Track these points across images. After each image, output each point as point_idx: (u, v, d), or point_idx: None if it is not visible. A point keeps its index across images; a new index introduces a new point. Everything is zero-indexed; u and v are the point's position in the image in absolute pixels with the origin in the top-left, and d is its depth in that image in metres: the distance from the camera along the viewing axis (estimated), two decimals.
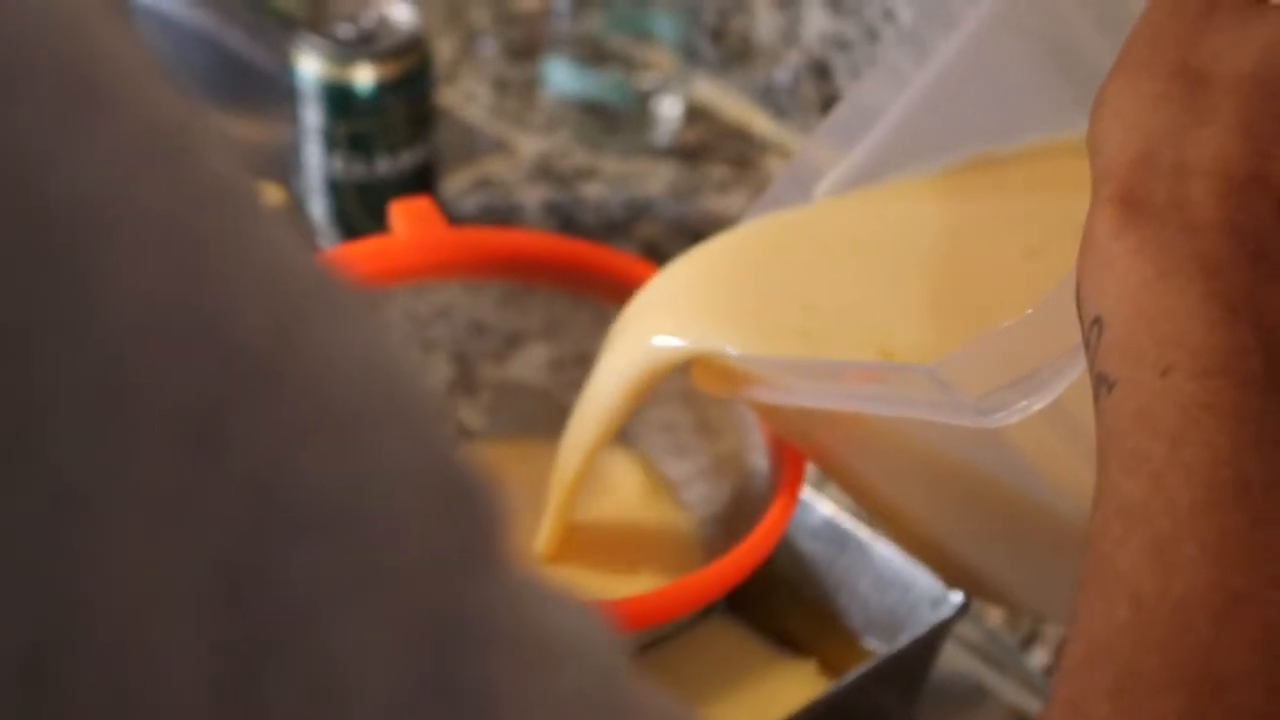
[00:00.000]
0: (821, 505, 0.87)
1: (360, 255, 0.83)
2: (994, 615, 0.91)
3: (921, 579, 0.82)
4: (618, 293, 0.80)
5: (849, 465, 0.75)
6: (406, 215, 0.83)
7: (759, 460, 0.77)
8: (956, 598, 0.83)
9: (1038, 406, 0.59)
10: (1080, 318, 0.56)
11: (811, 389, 0.69)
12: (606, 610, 0.43)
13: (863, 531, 0.87)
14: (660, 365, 0.73)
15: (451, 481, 0.37)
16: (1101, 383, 0.55)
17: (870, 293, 0.72)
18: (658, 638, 0.89)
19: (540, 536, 0.78)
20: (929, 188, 0.76)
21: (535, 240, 0.89)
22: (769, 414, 0.74)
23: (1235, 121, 0.55)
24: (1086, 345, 0.56)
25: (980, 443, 0.62)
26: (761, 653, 0.90)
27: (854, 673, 0.82)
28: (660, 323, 0.73)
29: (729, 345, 0.70)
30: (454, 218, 1.15)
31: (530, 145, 1.25)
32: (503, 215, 1.15)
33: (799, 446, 0.74)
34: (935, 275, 0.71)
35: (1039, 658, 0.89)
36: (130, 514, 0.32)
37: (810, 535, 0.88)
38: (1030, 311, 0.58)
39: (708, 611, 0.90)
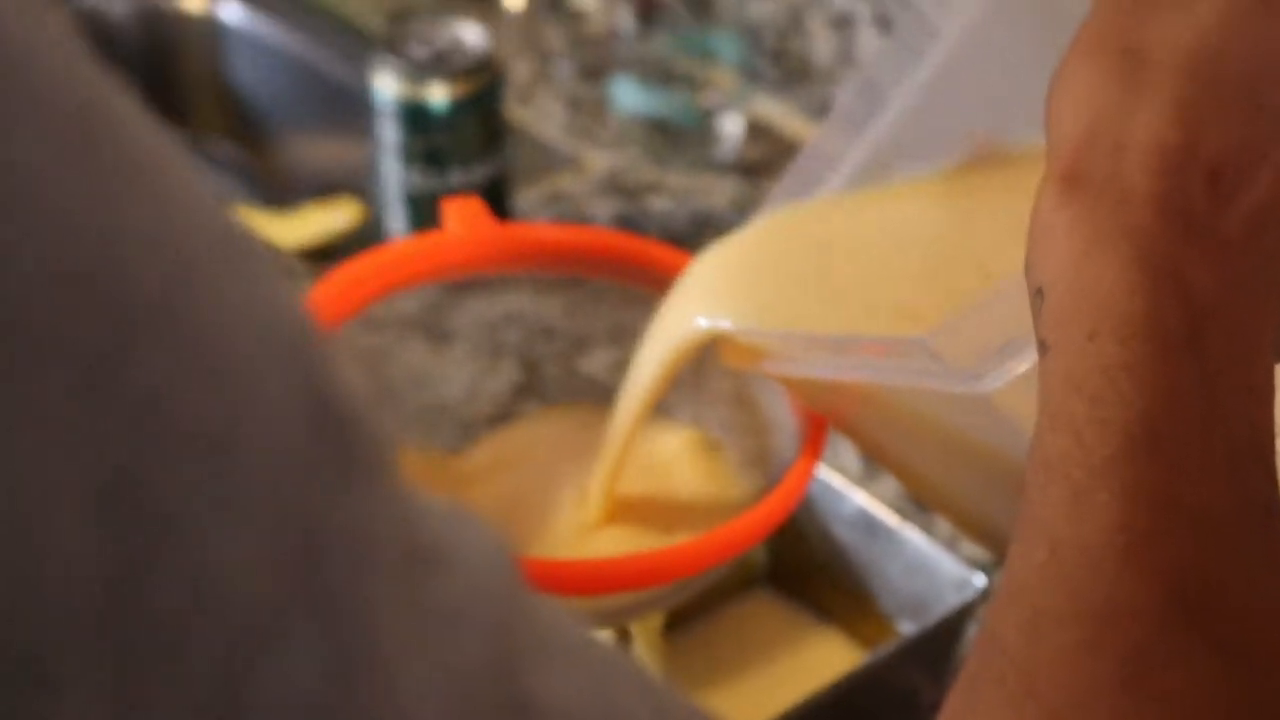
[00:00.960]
0: (856, 495, 0.91)
1: (415, 250, 0.86)
2: None
3: (947, 565, 0.86)
4: (658, 281, 0.83)
5: (863, 429, 0.79)
6: (458, 213, 0.86)
7: (788, 428, 0.81)
8: (980, 581, 0.85)
9: (1018, 371, 0.61)
10: (1028, 287, 0.58)
11: (821, 361, 0.72)
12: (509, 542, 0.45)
13: (893, 521, 0.90)
14: (688, 343, 0.76)
15: (323, 411, 0.40)
16: (1041, 347, 0.57)
17: (879, 280, 0.75)
18: (706, 608, 0.94)
19: (591, 501, 0.81)
20: (937, 186, 0.79)
21: (575, 233, 0.92)
22: (793, 385, 0.77)
23: (1170, 101, 0.56)
24: (1034, 313, 0.57)
25: (973, 406, 0.64)
26: (801, 626, 0.95)
27: (884, 650, 0.86)
28: (689, 305, 0.77)
29: (749, 324, 0.74)
30: None
31: (600, 161, 1.28)
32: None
33: (821, 413, 0.77)
34: (940, 265, 0.73)
35: None
36: (27, 435, 0.35)
37: (845, 524, 0.92)
38: (1002, 283, 0.60)
39: (751, 586, 0.96)
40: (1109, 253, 0.55)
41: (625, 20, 1.30)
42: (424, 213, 1.14)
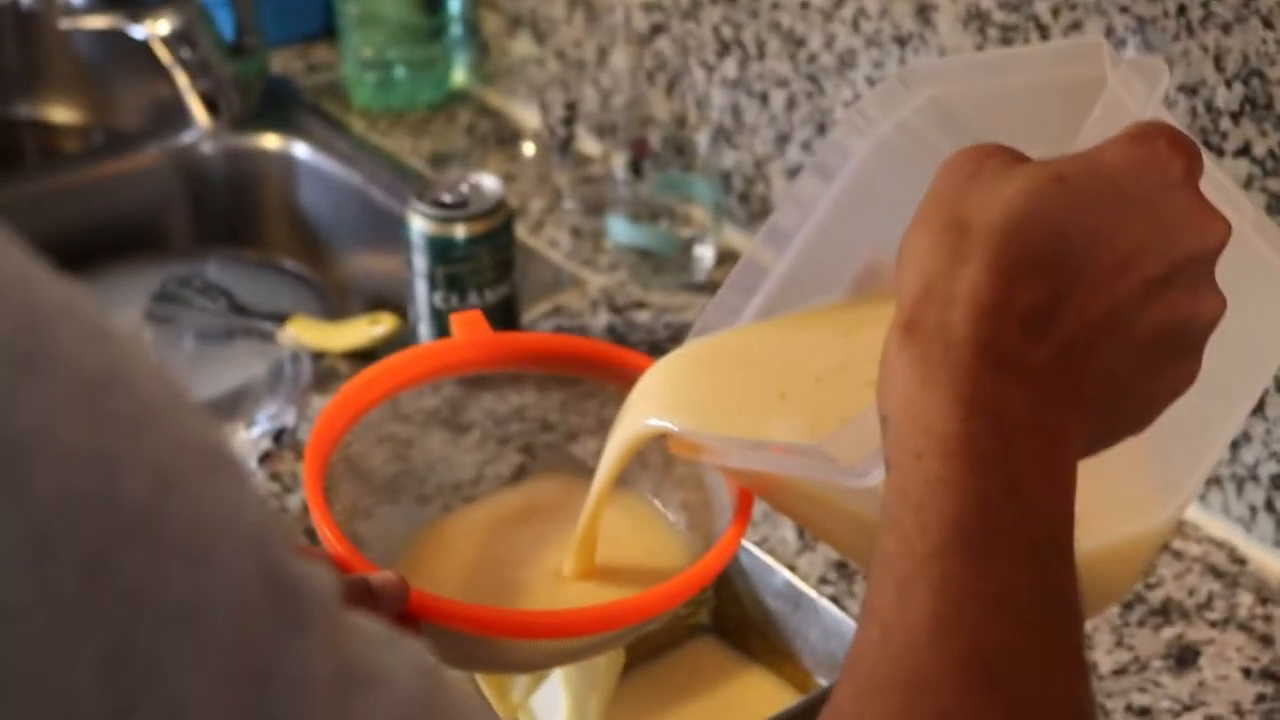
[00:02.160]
0: (782, 571, 1.01)
1: (427, 353, 0.93)
2: None
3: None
4: (621, 377, 0.90)
5: (782, 503, 0.87)
6: (462, 323, 0.92)
7: (725, 503, 0.88)
8: None
9: None
10: (879, 415, 0.63)
11: (745, 457, 0.80)
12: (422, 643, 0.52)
13: (814, 594, 0.99)
14: (639, 438, 0.84)
15: (275, 579, 0.46)
16: (886, 465, 0.62)
17: (788, 391, 0.81)
18: (660, 651, 1.03)
19: (568, 561, 0.88)
20: (836, 313, 0.85)
21: (552, 340, 0.98)
22: (727, 471, 0.85)
23: (986, 261, 0.60)
24: (882, 437, 0.62)
25: (860, 493, 0.69)
26: (739, 669, 1.05)
27: (808, 698, 0.95)
28: (643, 408, 0.84)
29: (687, 426, 0.81)
30: None
31: (597, 281, 1.40)
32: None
33: (751, 491, 0.85)
34: (836, 380, 0.80)
35: None
36: (47, 612, 0.42)
37: (775, 594, 1.02)
38: (870, 407, 0.65)
39: (699, 634, 1.05)
40: (936, 388, 0.60)
41: (620, 166, 1.42)
42: (445, 325, 1.12)
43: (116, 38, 1.67)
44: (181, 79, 1.60)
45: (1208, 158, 0.67)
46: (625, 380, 0.88)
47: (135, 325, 1.38)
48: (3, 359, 0.42)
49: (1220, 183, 0.71)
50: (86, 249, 1.57)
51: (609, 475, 0.86)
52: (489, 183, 1.28)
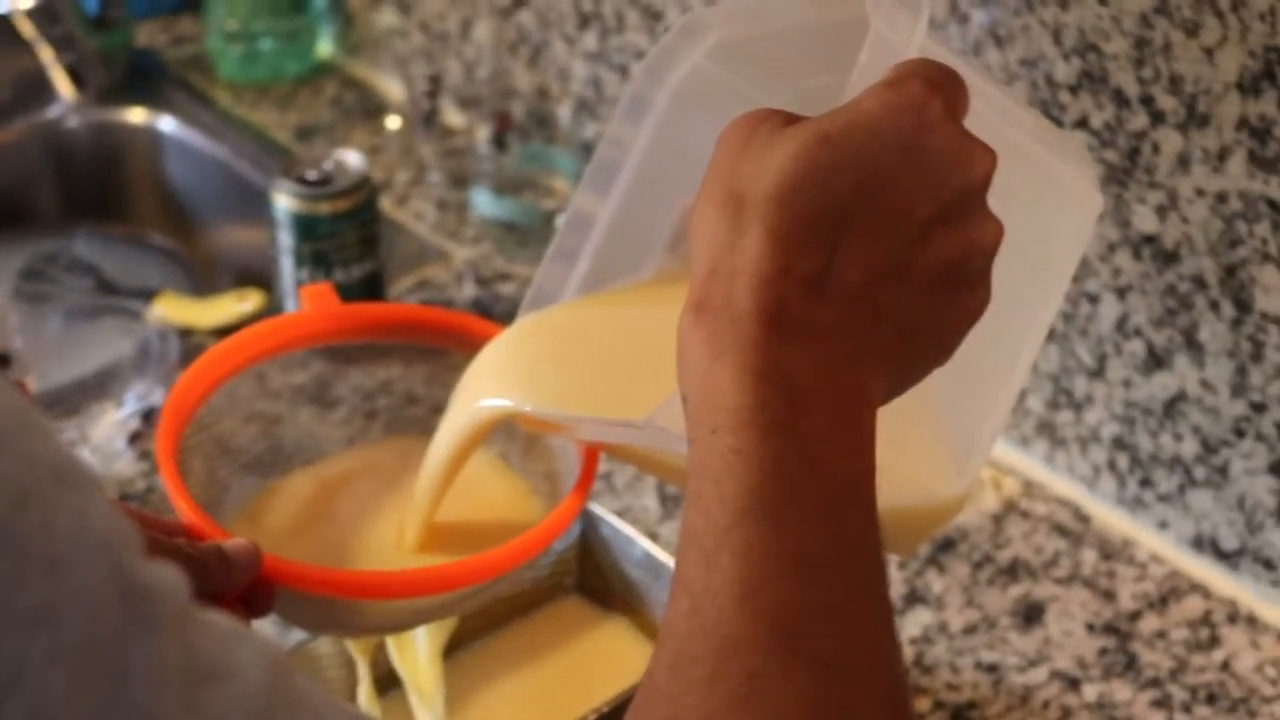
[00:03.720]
0: (642, 541, 1.04)
1: (279, 325, 0.95)
2: None
3: None
4: (466, 344, 0.91)
5: (630, 459, 0.89)
6: (310, 295, 0.95)
7: (574, 465, 0.90)
8: None
9: None
10: (680, 395, 0.64)
11: (590, 431, 0.83)
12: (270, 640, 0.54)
13: (672, 563, 0.91)
14: (478, 419, 0.85)
15: (127, 584, 0.49)
16: (689, 442, 0.63)
17: (613, 367, 0.84)
18: (527, 608, 1.05)
19: (407, 535, 0.89)
20: (648, 290, 0.87)
21: (400, 309, 1.00)
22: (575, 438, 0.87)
23: (762, 230, 0.61)
24: (685, 417, 0.63)
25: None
26: (601, 623, 1.07)
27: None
28: (484, 389, 0.85)
29: (522, 404, 0.83)
30: None
31: (461, 254, 1.41)
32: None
33: (597, 450, 0.88)
34: (655, 354, 0.76)
35: None
36: None
37: (634, 564, 1.05)
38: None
39: (567, 593, 1.07)
40: (725, 363, 0.61)
41: (483, 139, 1.44)
42: None
43: None
44: (45, 53, 1.59)
45: (979, 74, 0.68)
46: (477, 348, 0.89)
47: (2, 304, 1.38)
48: None
49: (994, 99, 0.72)
50: None
51: (449, 460, 0.87)
52: (353, 159, 1.29)
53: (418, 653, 0.96)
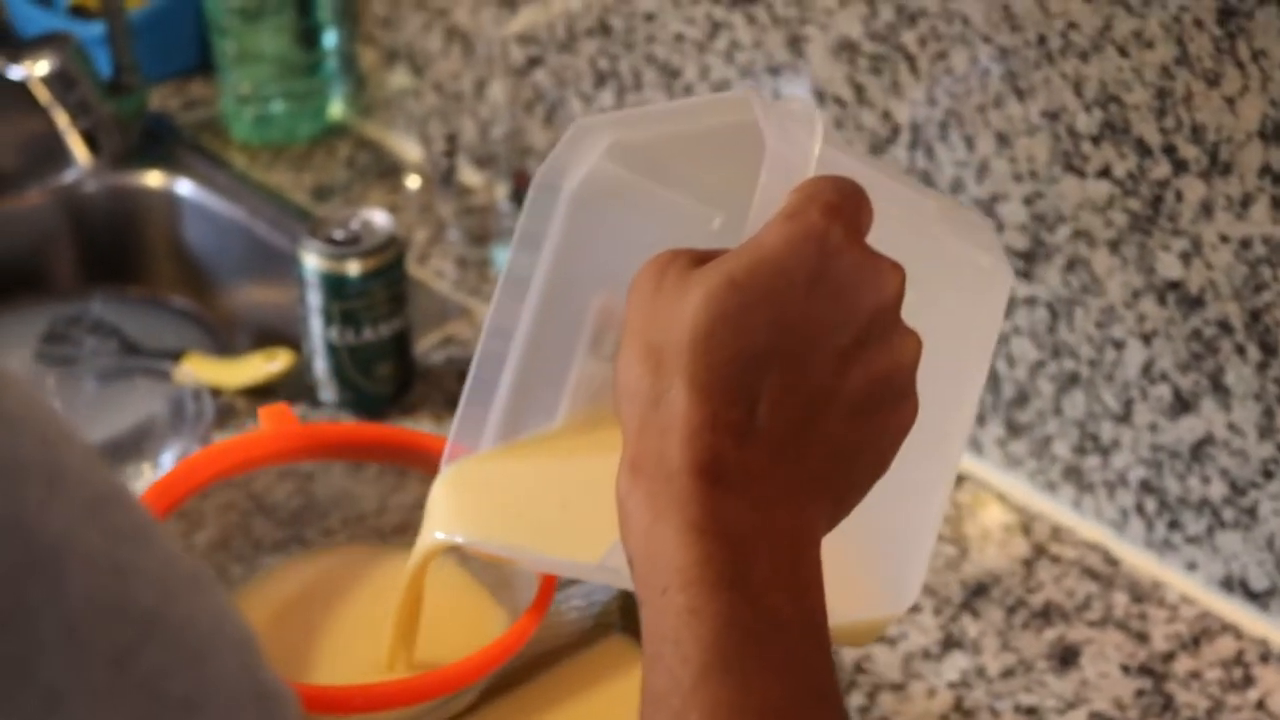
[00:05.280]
0: None
1: (237, 445, 0.97)
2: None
3: None
4: (426, 463, 0.92)
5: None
6: (270, 416, 0.97)
7: (530, 582, 0.92)
8: None
9: None
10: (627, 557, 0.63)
11: (536, 563, 0.86)
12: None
13: None
14: (434, 549, 0.87)
15: (259, 682, 0.51)
16: (639, 604, 0.62)
17: (554, 508, 0.85)
18: (565, 650, 1.04)
19: (385, 648, 0.91)
20: (556, 442, 0.88)
21: (360, 430, 1.03)
22: None
23: (684, 382, 0.61)
24: (633, 578, 0.63)
25: None
26: None
27: None
28: (431, 522, 0.87)
29: (473, 540, 0.85)
30: (425, 369, 1.34)
31: (484, 310, 1.31)
32: (463, 366, 1.18)
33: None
34: (594, 497, 0.75)
35: (856, 699, 1.09)
36: (81, 697, 0.47)
37: None
38: None
39: (609, 632, 1.06)
40: (666, 522, 0.61)
41: (503, 196, 1.46)
42: (342, 361, 1.29)
43: None
44: (61, 118, 1.60)
45: (877, 170, 0.67)
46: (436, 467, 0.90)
47: (27, 367, 1.39)
48: (33, 477, 0.47)
49: (893, 193, 0.70)
50: None
51: (414, 579, 0.89)
52: (379, 218, 1.30)
53: None
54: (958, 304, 0.77)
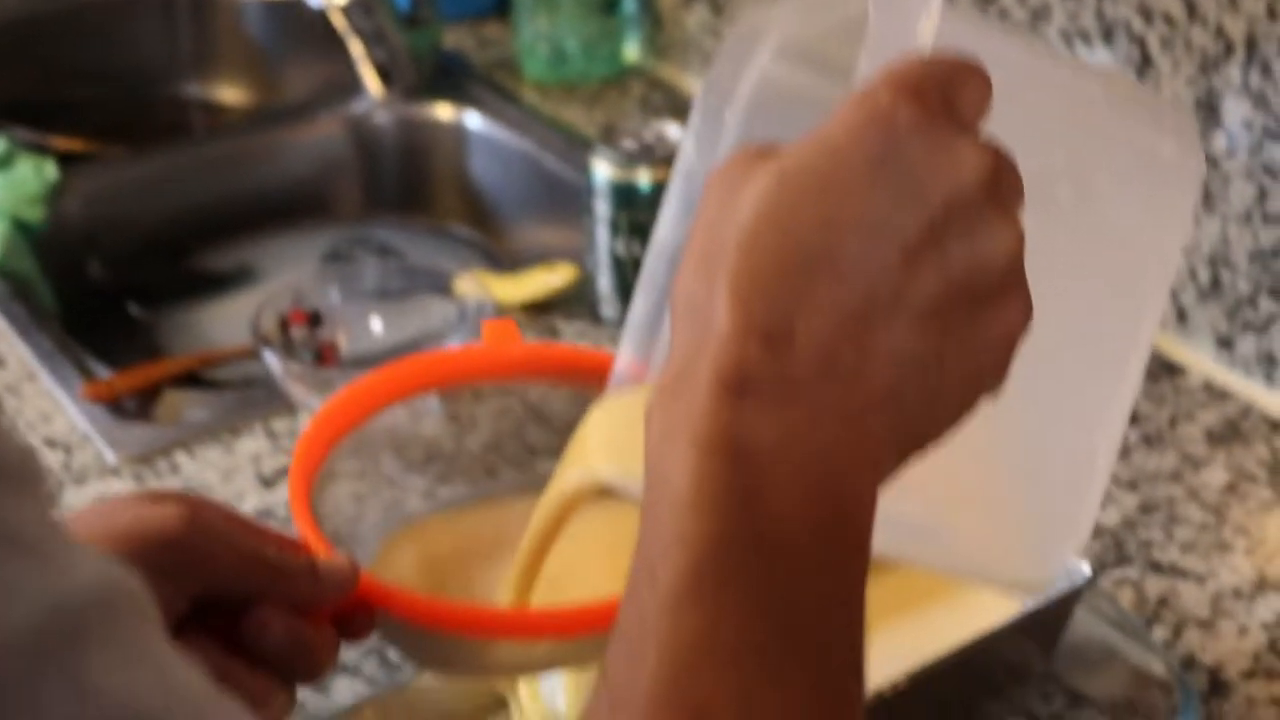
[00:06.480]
0: None
1: (457, 357, 0.91)
2: (1125, 596, 1.03)
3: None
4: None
5: None
6: (493, 331, 0.90)
7: None
8: (1085, 569, 0.93)
9: None
10: None
11: None
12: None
13: None
14: (584, 489, 0.76)
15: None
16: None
17: None
18: None
19: (508, 586, 0.80)
20: None
21: (580, 354, 0.93)
22: None
23: (725, 288, 0.55)
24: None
25: None
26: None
27: (999, 623, 0.92)
28: (590, 455, 0.75)
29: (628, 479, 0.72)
30: None
31: None
32: None
33: None
34: None
35: (1160, 632, 1.01)
36: None
37: None
38: None
39: None
40: (672, 440, 0.55)
41: None
42: (627, 275, 1.25)
43: (290, 9, 1.69)
44: (356, 48, 1.60)
45: (1029, 49, 0.59)
46: None
47: (310, 280, 1.37)
48: None
49: (1039, 74, 0.62)
50: (255, 213, 1.59)
51: (548, 524, 0.79)
52: (672, 131, 1.27)
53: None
54: (1129, 201, 0.67)
